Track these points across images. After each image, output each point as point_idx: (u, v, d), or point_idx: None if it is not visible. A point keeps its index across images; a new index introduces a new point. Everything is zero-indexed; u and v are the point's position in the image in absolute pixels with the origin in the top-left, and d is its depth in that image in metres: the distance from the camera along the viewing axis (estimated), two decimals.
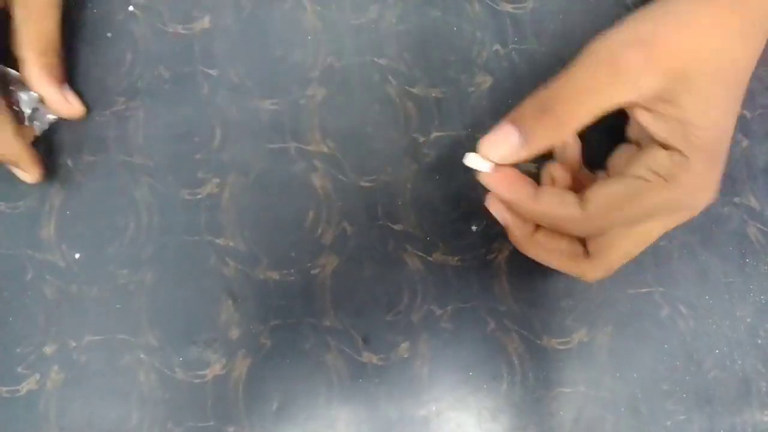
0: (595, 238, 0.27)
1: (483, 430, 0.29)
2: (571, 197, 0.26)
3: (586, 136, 0.27)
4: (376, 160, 0.31)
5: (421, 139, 0.31)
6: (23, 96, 0.30)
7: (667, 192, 0.24)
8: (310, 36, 0.32)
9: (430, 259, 0.31)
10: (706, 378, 0.30)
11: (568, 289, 0.31)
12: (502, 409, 0.30)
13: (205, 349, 0.29)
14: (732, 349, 0.31)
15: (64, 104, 0.30)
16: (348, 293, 0.30)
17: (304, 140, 0.31)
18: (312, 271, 0.30)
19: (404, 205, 0.31)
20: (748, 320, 0.31)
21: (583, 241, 0.28)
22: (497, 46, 0.33)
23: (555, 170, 0.28)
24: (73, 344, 0.29)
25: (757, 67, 0.34)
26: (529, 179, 0.26)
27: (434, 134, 0.32)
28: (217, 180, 0.31)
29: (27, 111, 0.30)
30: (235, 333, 0.30)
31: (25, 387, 0.29)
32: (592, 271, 0.27)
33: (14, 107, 0.29)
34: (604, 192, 0.25)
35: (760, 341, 0.31)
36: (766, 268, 0.32)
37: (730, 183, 0.32)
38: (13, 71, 0.29)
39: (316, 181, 0.31)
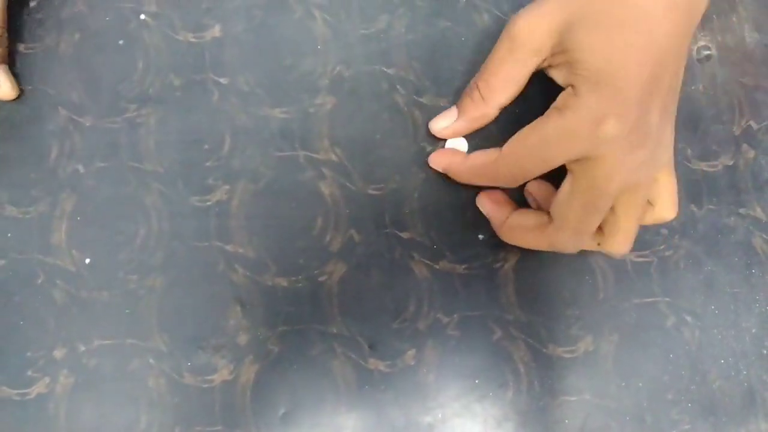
0: (553, 204, 0.28)
1: None
2: (493, 150, 0.29)
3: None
4: (384, 168, 0.31)
5: (429, 148, 0.32)
6: None
7: (560, 120, 0.26)
8: (319, 45, 0.32)
9: (437, 267, 0.31)
10: (711, 388, 0.31)
11: (574, 298, 0.31)
12: (507, 417, 0.30)
13: (214, 355, 0.30)
14: (737, 360, 0.31)
15: None
16: (355, 300, 0.30)
17: (313, 148, 0.32)
18: (320, 278, 0.31)
19: (412, 214, 0.31)
20: (754, 331, 0.31)
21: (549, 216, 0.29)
22: None
23: None
24: (83, 348, 0.30)
25: (764, 78, 0.34)
26: (462, 152, 0.31)
27: (441, 143, 0.32)
28: (226, 187, 0.31)
29: None
30: (243, 339, 0.30)
31: (34, 390, 0.29)
32: (556, 235, 0.28)
33: None
34: (516, 135, 0.28)
35: (765, 352, 0.31)
36: None
37: (735, 193, 0.33)
38: None
39: (325, 188, 0.31)
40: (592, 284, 0.31)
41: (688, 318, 0.31)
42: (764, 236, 0.32)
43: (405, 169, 0.31)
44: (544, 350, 0.30)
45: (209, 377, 0.30)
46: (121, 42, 0.32)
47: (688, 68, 0.34)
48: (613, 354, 0.31)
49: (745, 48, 0.35)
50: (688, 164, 0.33)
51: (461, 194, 0.31)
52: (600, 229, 0.29)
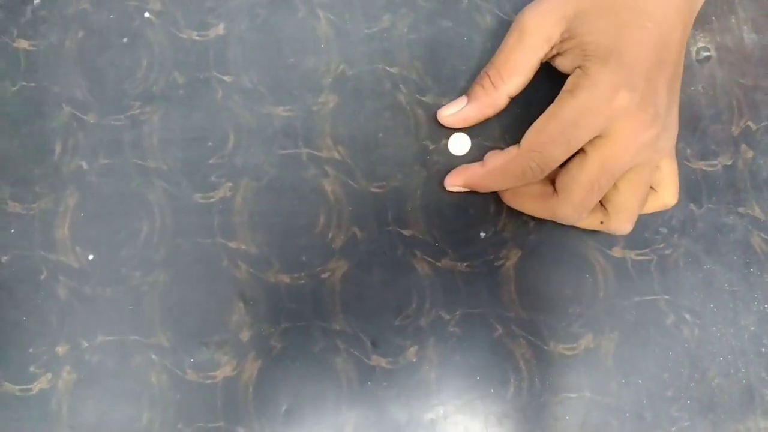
0: (559, 176, 0.29)
1: None
2: (511, 147, 0.29)
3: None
4: (386, 166, 0.32)
5: (431, 147, 0.32)
6: None
7: (574, 100, 0.27)
8: (322, 44, 0.33)
9: (439, 264, 0.31)
10: (710, 385, 0.31)
11: (575, 295, 0.31)
12: (508, 414, 0.30)
13: (216, 351, 0.30)
14: (736, 357, 0.31)
15: None
16: (357, 297, 0.31)
17: (316, 146, 0.32)
18: (322, 275, 0.31)
19: (414, 211, 0.31)
20: (752, 329, 0.32)
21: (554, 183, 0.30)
22: None
23: None
24: (86, 344, 0.30)
25: (763, 79, 0.34)
26: (476, 163, 0.31)
27: (443, 141, 0.32)
28: (230, 184, 0.31)
29: None
30: (245, 335, 0.30)
31: (37, 386, 0.29)
32: (559, 207, 0.28)
33: None
34: (531, 127, 0.28)
35: (763, 350, 0.31)
36: None
37: (734, 193, 0.33)
38: None
39: (327, 186, 0.31)
40: (592, 282, 0.31)
41: (688, 316, 0.31)
42: (763, 235, 0.33)
43: (407, 167, 0.32)
44: (545, 347, 0.31)
45: (212, 373, 0.30)
46: (125, 40, 0.32)
47: (688, 69, 0.34)
48: (614, 351, 0.31)
49: (744, 49, 0.35)
50: (688, 164, 0.33)
51: (462, 193, 0.32)
52: (603, 207, 0.29)
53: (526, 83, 0.30)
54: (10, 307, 0.30)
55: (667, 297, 0.32)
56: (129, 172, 0.31)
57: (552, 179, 0.29)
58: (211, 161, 0.31)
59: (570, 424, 0.30)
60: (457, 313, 0.31)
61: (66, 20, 0.33)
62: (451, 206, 0.32)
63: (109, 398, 0.29)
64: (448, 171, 0.31)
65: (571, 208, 0.28)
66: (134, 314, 0.30)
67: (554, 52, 0.29)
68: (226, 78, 0.32)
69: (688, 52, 0.35)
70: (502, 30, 0.33)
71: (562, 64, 0.29)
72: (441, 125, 0.32)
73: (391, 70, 0.33)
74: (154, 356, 0.30)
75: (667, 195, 0.30)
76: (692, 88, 0.34)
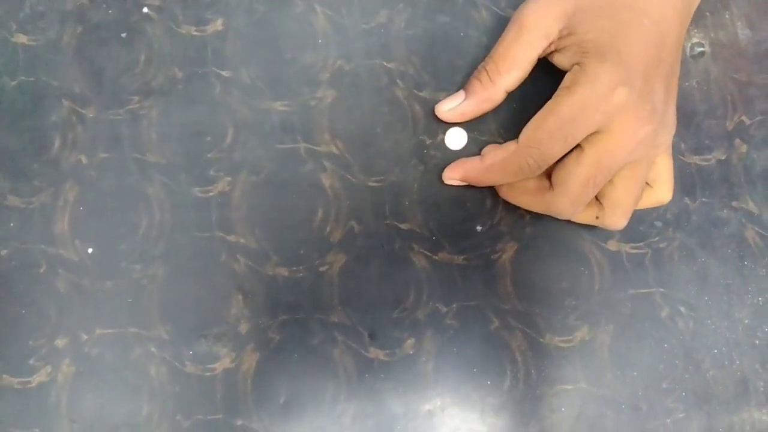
0: (555, 171, 0.29)
1: (486, 425, 0.30)
2: (509, 143, 0.29)
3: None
4: (383, 160, 0.32)
5: (428, 141, 0.32)
6: None
7: (572, 96, 0.27)
8: (320, 39, 0.33)
9: (436, 258, 0.31)
10: (705, 377, 0.31)
11: (571, 288, 0.31)
12: (505, 405, 0.30)
13: (215, 343, 0.30)
14: (730, 349, 0.32)
15: None
16: (355, 290, 0.31)
17: (314, 141, 0.32)
18: (320, 269, 0.31)
19: (411, 205, 0.32)
20: (746, 321, 0.32)
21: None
22: None
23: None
24: (85, 337, 0.30)
25: (756, 75, 0.35)
26: (475, 157, 0.31)
27: (441, 136, 0.32)
28: (228, 178, 0.31)
29: None
30: (244, 328, 0.30)
31: (36, 379, 0.30)
32: (554, 201, 0.29)
33: None
34: (530, 123, 0.29)
35: (757, 342, 0.32)
36: (763, 270, 0.33)
37: (728, 187, 0.33)
38: None
39: (325, 180, 0.32)
40: (588, 275, 0.32)
41: (682, 309, 0.32)
42: (756, 229, 0.33)
43: (405, 161, 0.32)
44: (541, 340, 0.31)
45: (211, 366, 0.30)
46: (123, 35, 0.33)
47: (682, 64, 0.35)
48: (609, 344, 0.31)
49: (738, 45, 0.35)
50: (682, 158, 0.33)
51: (459, 187, 0.32)
52: (598, 202, 0.29)
53: (524, 78, 0.30)
54: (9, 301, 0.30)
55: (662, 290, 0.32)
56: (128, 167, 0.31)
57: (548, 174, 0.30)
58: (209, 155, 0.32)
59: (566, 415, 0.30)
60: (454, 305, 0.31)
61: (65, 15, 0.33)
62: (448, 200, 0.32)
63: (109, 391, 0.30)
64: (445, 165, 0.32)
65: (566, 202, 0.28)
66: (133, 307, 0.30)
67: (552, 48, 0.29)
68: (224, 73, 0.32)
69: (682, 48, 0.35)
70: (498, 25, 0.34)
71: (560, 60, 0.29)
72: (438, 120, 0.32)
73: (389, 65, 0.33)
74: (153, 349, 0.30)
75: (662, 191, 0.30)
76: (686, 84, 0.34)
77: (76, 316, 0.30)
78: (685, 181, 0.33)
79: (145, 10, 0.33)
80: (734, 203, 0.33)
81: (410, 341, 0.31)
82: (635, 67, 0.27)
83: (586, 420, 0.30)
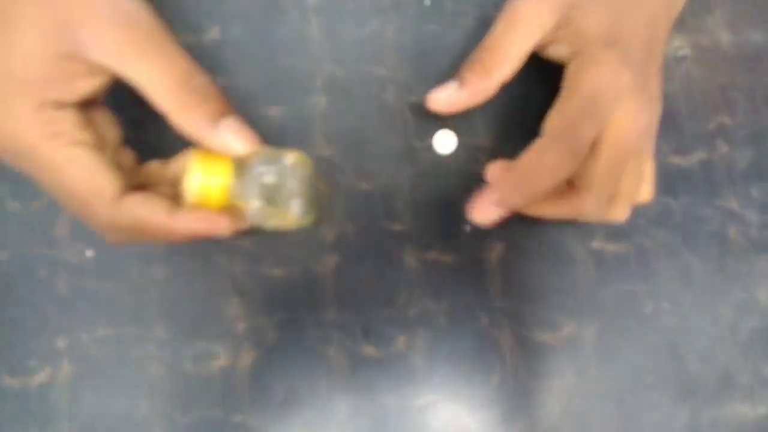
0: (577, 173, 0.28)
1: (476, 420, 0.31)
2: (532, 144, 0.28)
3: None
4: (375, 163, 0.33)
5: (418, 144, 0.33)
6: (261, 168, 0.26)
7: (586, 77, 0.27)
8: (314, 47, 0.34)
9: (427, 257, 0.32)
10: (689, 372, 0.32)
11: (558, 286, 0.32)
12: (494, 400, 0.31)
13: (213, 343, 0.31)
14: (714, 344, 0.32)
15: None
16: (349, 289, 0.32)
17: (308, 145, 0.33)
18: (315, 269, 0.32)
19: (402, 207, 0.33)
20: (729, 317, 0.33)
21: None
22: None
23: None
24: (85, 338, 0.31)
25: (738, 77, 0.36)
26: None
27: (430, 140, 0.33)
28: None
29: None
30: (241, 327, 0.31)
31: (37, 380, 0.30)
32: (582, 202, 0.28)
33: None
34: (550, 114, 0.28)
35: (740, 337, 0.33)
36: (745, 267, 0.33)
37: (710, 187, 0.34)
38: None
39: (319, 184, 0.33)
40: (574, 272, 0.33)
41: (666, 305, 0.33)
42: (738, 227, 0.34)
43: (395, 164, 0.33)
44: (529, 336, 0.32)
45: (209, 364, 0.31)
46: None
47: (665, 67, 0.36)
48: (595, 340, 0.32)
49: (720, 48, 0.36)
50: (664, 159, 0.34)
51: (449, 188, 0.33)
52: None
53: (518, 69, 0.30)
54: (10, 303, 0.31)
55: (646, 287, 0.33)
56: None
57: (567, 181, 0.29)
58: None
59: (553, 409, 0.31)
60: (445, 304, 0.32)
61: None
62: (437, 201, 0.33)
63: (108, 391, 0.30)
64: (434, 168, 0.33)
65: (592, 199, 0.28)
66: (133, 308, 0.31)
67: (547, 40, 0.29)
68: (220, 80, 0.33)
69: (664, 52, 0.36)
70: (485, 32, 0.34)
71: (556, 51, 0.30)
72: (428, 124, 0.33)
73: (380, 72, 0.34)
74: (152, 349, 0.31)
75: (644, 190, 0.31)
76: (669, 86, 0.35)
77: (76, 317, 0.31)
78: (668, 180, 0.34)
79: None
80: (717, 202, 0.34)
81: (402, 339, 0.31)
82: (635, 56, 0.28)
83: (573, 414, 0.31)
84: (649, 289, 0.33)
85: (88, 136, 0.25)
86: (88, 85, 0.25)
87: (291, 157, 0.27)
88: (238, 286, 0.31)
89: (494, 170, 0.30)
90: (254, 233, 0.31)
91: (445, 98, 0.30)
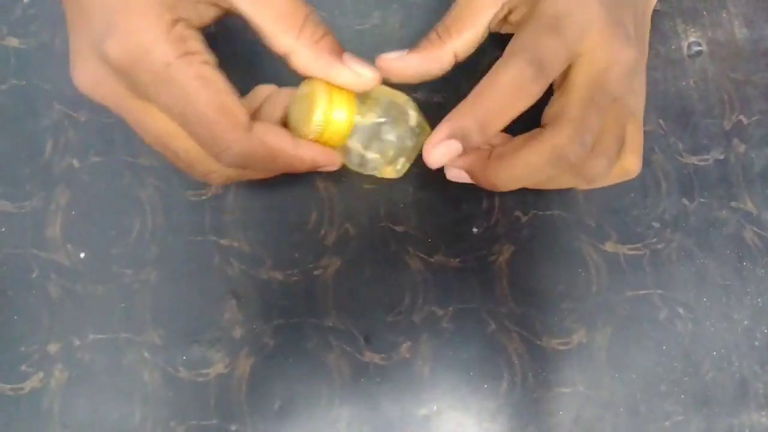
0: (545, 111, 0.26)
1: (483, 430, 0.30)
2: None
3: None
4: None
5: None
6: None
7: (542, 7, 0.25)
8: None
9: (432, 260, 0.31)
10: (704, 379, 0.31)
11: (568, 290, 0.31)
12: (502, 409, 0.30)
13: (209, 348, 0.30)
14: (729, 351, 0.31)
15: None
16: (350, 294, 0.30)
17: None
18: (315, 272, 0.31)
19: (406, 208, 0.31)
20: (745, 323, 0.32)
21: None
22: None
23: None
24: (77, 343, 0.30)
25: (754, 74, 0.35)
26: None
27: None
28: None
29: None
30: (238, 332, 0.30)
31: (28, 385, 0.29)
32: (557, 136, 0.24)
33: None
34: (514, 38, 0.26)
35: (757, 343, 0.31)
36: (762, 271, 0.32)
37: (726, 187, 0.33)
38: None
39: (320, 183, 0.31)
40: (585, 277, 0.31)
41: (681, 310, 0.31)
42: (755, 229, 0.33)
43: None
44: (538, 342, 0.31)
45: (204, 371, 0.30)
46: None
47: (679, 63, 0.34)
48: (607, 346, 0.31)
49: (735, 43, 0.35)
50: (680, 158, 0.33)
51: (455, 188, 0.32)
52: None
53: (475, 45, 0.27)
54: (1, 306, 0.30)
55: (660, 291, 0.32)
56: (120, 170, 0.31)
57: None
58: None
59: (563, 418, 0.30)
60: (450, 308, 0.31)
61: (56, 18, 0.33)
62: (442, 202, 0.32)
63: (102, 396, 0.29)
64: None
65: (571, 131, 0.24)
66: (126, 312, 0.30)
67: (505, 10, 0.27)
68: None
69: (679, 47, 0.35)
70: None
71: (515, 18, 0.27)
72: (433, 121, 0.32)
73: None
74: (146, 354, 0.30)
75: (629, 160, 0.27)
76: (683, 83, 0.34)
77: (69, 322, 0.30)
78: (683, 181, 0.33)
79: None
80: (733, 203, 0.33)
81: (406, 345, 0.30)
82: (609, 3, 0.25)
83: (584, 423, 0.30)
84: (663, 293, 0.32)
85: (214, 59, 0.24)
86: (208, 14, 0.25)
87: (414, 118, 0.26)
88: (234, 290, 0.30)
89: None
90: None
91: (393, 58, 0.26)
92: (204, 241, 0.31)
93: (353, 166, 0.27)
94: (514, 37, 0.26)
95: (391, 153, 0.26)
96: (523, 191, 0.29)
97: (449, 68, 0.27)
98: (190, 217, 0.31)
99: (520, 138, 0.26)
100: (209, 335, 0.30)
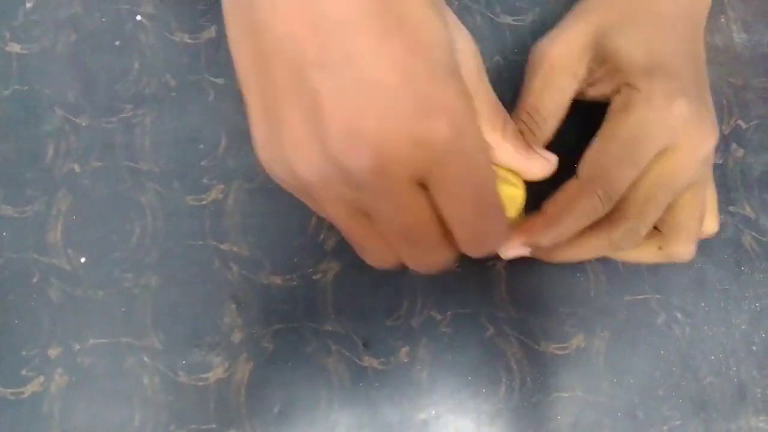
0: (662, 221, 0.27)
1: None
2: (565, 185, 0.27)
3: None
4: None
5: None
6: None
7: (630, 117, 0.25)
8: None
9: None
10: (702, 384, 0.31)
11: (566, 295, 0.31)
12: (500, 413, 0.30)
13: (208, 353, 0.30)
14: (727, 356, 0.31)
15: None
16: (349, 298, 0.31)
17: None
18: (314, 277, 0.31)
19: None
20: (743, 327, 0.32)
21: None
22: (498, 57, 0.33)
23: None
24: (78, 347, 0.30)
25: (752, 78, 0.35)
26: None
27: None
28: (221, 186, 0.31)
29: None
30: (237, 337, 0.30)
31: (29, 389, 0.29)
32: (613, 230, 0.26)
33: None
34: (586, 154, 0.26)
35: (755, 348, 0.32)
36: (760, 276, 0.32)
37: (725, 192, 0.33)
38: None
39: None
40: (583, 282, 0.31)
41: (679, 315, 0.32)
42: (753, 234, 0.33)
43: None
44: (537, 347, 0.31)
45: (204, 375, 0.30)
46: (117, 43, 0.33)
47: None
48: (605, 351, 0.31)
49: (734, 48, 0.35)
50: None
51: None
52: (659, 232, 0.28)
53: (562, 121, 0.28)
54: (1, 310, 0.30)
55: (658, 296, 0.32)
56: (121, 175, 0.31)
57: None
58: (203, 163, 0.32)
59: (562, 423, 0.30)
60: (449, 313, 0.31)
61: (58, 23, 0.33)
62: None
63: (102, 400, 0.29)
64: None
65: (627, 225, 0.26)
66: (126, 316, 0.30)
67: (585, 85, 0.28)
68: (217, 80, 0.32)
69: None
70: (492, 31, 0.33)
71: (597, 91, 0.28)
72: None
73: None
74: (146, 358, 0.30)
75: (708, 221, 0.28)
76: None
77: (69, 326, 0.30)
78: None
79: (139, 17, 0.33)
80: (731, 208, 0.33)
81: (404, 349, 0.30)
82: (685, 77, 0.26)
83: (583, 428, 0.30)
84: (661, 298, 0.32)
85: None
86: None
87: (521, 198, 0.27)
88: (234, 295, 0.30)
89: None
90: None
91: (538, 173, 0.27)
92: (204, 246, 0.31)
93: None
94: (590, 151, 0.26)
95: None
96: None
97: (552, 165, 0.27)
98: (190, 222, 0.31)
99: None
100: (209, 339, 0.30)
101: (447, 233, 0.21)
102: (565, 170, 0.27)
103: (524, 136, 0.27)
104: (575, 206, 0.26)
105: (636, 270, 0.32)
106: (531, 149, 0.26)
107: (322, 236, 0.31)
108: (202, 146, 0.32)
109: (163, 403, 0.29)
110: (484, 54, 0.31)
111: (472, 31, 0.33)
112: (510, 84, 0.33)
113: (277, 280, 0.31)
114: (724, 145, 0.34)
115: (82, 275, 0.30)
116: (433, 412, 0.30)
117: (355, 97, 0.17)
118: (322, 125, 0.18)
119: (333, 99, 0.17)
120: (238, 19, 0.19)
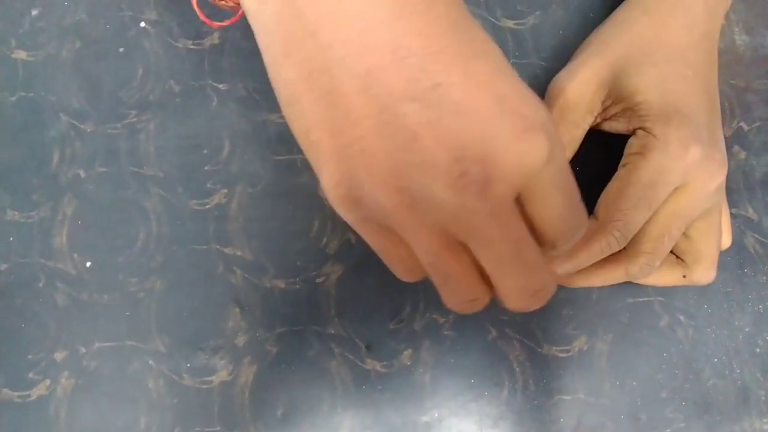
0: (683, 252, 0.29)
1: None
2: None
3: None
4: None
5: None
6: None
7: (647, 163, 0.27)
8: None
9: None
10: (705, 386, 0.31)
11: (569, 298, 0.31)
12: (503, 416, 0.30)
13: (212, 356, 0.30)
14: (730, 358, 0.31)
15: None
16: (352, 301, 0.31)
17: None
18: (317, 280, 0.31)
19: None
20: (747, 329, 0.32)
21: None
22: None
23: None
24: (83, 350, 0.30)
25: (754, 80, 0.35)
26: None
27: None
28: (225, 190, 0.32)
29: None
30: (241, 340, 0.30)
31: (35, 392, 0.30)
32: (630, 263, 0.28)
33: None
34: (604, 196, 0.28)
35: (758, 350, 0.32)
36: (763, 278, 0.32)
37: (727, 194, 0.33)
38: None
39: (321, 192, 0.32)
40: None
41: (682, 317, 0.32)
42: (756, 236, 0.33)
43: None
44: (539, 350, 0.31)
45: (208, 378, 0.30)
46: (121, 49, 0.33)
47: None
48: (608, 353, 0.31)
49: (736, 50, 0.35)
50: None
51: None
52: (681, 261, 0.29)
53: (574, 154, 0.30)
54: (8, 314, 0.30)
55: (660, 298, 0.32)
56: (126, 180, 0.32)
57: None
58: (206, 168, 0.32)
59: (564, 426, 0.30)
60: (451, 316, 0.31)
61: (63, 31, 0.33)
62: None
63: (107, 404, 0.30)
64: None
65: (642, 260, 0.27)
66: (131, 320, 0.30)
67: (599, 119, 0.29)
68: (221, 86, 0.33)
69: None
70: (492, 34, 0.33)
71: (612, 126, 0.29)
72: None
73: None
74: (151, 362, 0.30)
75: (722, 238, 0.30)
76: None
77: (75, 330, 0.30)
78: None
79: (143, 24, 0.33)
80: (733, 210, 0.33)
81: (407, 352, 0.30)
82: (699, 121, 0.27)
83: (585, 430, 0.30)
84: (664, 300, 0.32)
85: None
86: None
87: None
88: (238, 298, 0.31)
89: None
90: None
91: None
92: (208, 250, 0.31)
93: None
94: (608, 193, 0.27)
95: None
96: None
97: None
98: (194, 226, 0.31)
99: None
100: (213, 343, 0.30)
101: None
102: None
103: None
104: (592, 245, 0.27)
105: None
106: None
107: (324, 240, 0.31)
108: (205, 151, 0.32)
109: (168, 406, 0.30)
110: None
111: None
112: None
113: (281, 283, 0.31)
114: (726, 147, 0.34)
115: (87, 279, 0.31)
116: (436, 414, 0.30)
117: (455, 125, 0.17)
118: (422, 155, 0.17)
119: (431, 129, 0.17)
120: (297, 59, 0.19)
